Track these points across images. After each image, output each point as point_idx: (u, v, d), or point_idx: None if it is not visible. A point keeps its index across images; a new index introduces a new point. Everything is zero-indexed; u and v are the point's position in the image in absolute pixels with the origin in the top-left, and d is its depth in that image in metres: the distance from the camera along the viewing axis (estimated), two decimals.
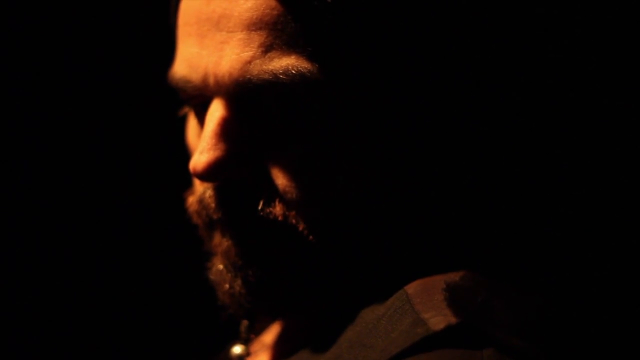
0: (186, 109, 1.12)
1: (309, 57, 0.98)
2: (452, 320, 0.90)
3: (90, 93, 1.80)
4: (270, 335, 1.15)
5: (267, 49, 0.99)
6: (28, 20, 1.78)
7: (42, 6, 1.78)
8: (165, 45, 1.13)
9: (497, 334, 0.90)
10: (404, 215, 1.02)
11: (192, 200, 1.08)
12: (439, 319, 0.91)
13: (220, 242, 1.06)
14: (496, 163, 1.03)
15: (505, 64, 1.02)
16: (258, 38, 0.99)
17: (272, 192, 1.02)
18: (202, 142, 1.02)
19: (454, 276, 0.97)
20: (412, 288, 0.98)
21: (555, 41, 1.06)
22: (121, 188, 1.81)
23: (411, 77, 0.99)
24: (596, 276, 1.05)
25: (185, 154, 1.11)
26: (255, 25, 0.99)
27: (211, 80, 1.01)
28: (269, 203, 1.02)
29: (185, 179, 1.11)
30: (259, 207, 1.01)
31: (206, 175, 1.02)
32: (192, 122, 1.11)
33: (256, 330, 1.13)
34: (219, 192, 1.04)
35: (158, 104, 1.16)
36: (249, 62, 0.99)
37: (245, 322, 1.13)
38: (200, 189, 1.06)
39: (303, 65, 0.98)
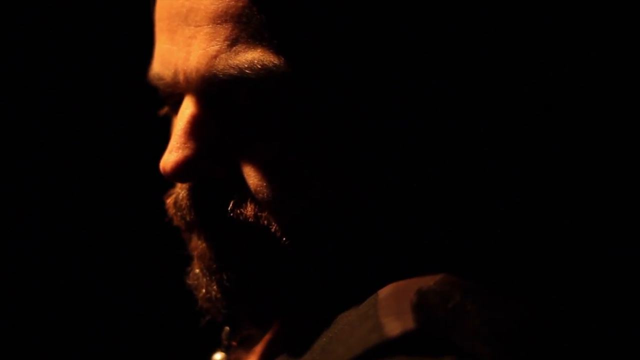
0: (166, 108, 1.09)
1: (276, 50, 0.94)
2: (410, 325, 0.85)
3: (80, 93, 1.80)
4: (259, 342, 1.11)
5: (232, 42, 0.95)
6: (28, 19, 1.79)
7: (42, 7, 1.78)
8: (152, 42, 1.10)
9: (460, 341, 0.85)
10: (382, 214, 0.97)
11: (169, 202, 1.05)
12: (396, 324, 0.86)
13: (196, 245, 1.03)
14: (477, 161, 0.98)
15: (484, 51, 0.97)
16: (224, 31, 0.95)
17: (244, 193, 0.98)
18: (172, 141, 0.99)
19: (429, 280, 0.92)
20: (384, 292, 0.93)
21: (548, 41, 1.00)
22: (106, 191, 1.80)
23: (383, 68, 0.95)
24: (583, 282, 0.98)
25: None
26: (220, 18, 0.95)
27: (181, 77, 0.99)
28: (239, 204, 0.98)
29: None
30: (229, 208, 0.98)
31: (175, 175, 0.99)
32: (174, 121, 1.09)
33: (240, 337, 1.10)
34: (192, 193, 1.01)
35: (146, 103, 1.14)
36: (215, 57, 0.96)
37: (226, 329, 1.09)
38: (177, 190, 1.03)
39: (269, 59, 0.94)
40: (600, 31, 1.06)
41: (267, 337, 1.08)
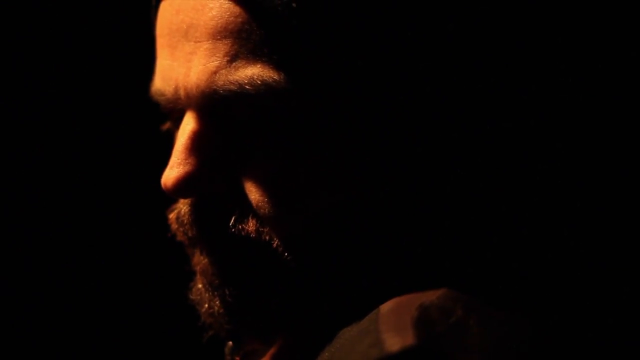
0: (168, 123, 1.09)
1: (275, 66, 0.94)
2: (409, 341, 0.85)
3: (84, 108, 1.81)
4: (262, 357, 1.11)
5: (232, 58, 0.95)
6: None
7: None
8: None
9: (461, 356, 0.84)
10: (383, 228, 0.97)
11: (172, 217, 1.05)
12: (396, 340, 0.86)
13: (199, 260, 1.03)
14: (476, 172, 0.97)
15: (487, 68, 0.96)
16: (224, 47, 0.95)
17: (245, 208, 0.98)
18: (173, 157, 0.99)
19: (432, 295, 0.92)
20: (385, 307, 0.93)
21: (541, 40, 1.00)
22: (110, 205, 1.80)
23: (381, 81, 0.94)
24: (584, 294, 0.98)
25: None
26: (220, 33, 0.95)
27: (182, 93, 0.99)
28: (241, 219, 0.98)
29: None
30: (231, 224, 0.98)
31: (177, 191, 0.99)
32: (176, 137, 1.09)
33: (243, 352, 1.10)
34: (193, 209, 1.01)
35: (148, 119, 1.14)
36: (215, 73, 0.96)
37: (229, 344, 1.09)
38: (179, 206, 1.03)
39: (268, 74, 0.94)
40: (600, 40, 1.05)
41: (270, 352, 1.08)
